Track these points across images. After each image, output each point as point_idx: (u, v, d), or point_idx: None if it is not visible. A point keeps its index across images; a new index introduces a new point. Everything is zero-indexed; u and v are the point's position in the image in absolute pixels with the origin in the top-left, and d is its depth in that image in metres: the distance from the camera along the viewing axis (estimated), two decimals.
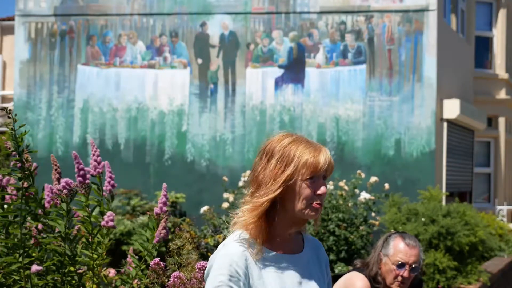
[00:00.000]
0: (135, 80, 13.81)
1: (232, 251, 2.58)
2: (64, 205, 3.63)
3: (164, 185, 3.81)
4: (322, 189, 2.61)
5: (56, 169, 3.85)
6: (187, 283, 3.26)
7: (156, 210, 3.77)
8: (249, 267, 2.57)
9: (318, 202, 2.61)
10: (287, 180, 2.58)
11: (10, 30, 17.24)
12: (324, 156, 2.61)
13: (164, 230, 3.78)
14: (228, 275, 2.54)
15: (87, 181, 3.73)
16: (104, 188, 3.85)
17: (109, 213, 3.72)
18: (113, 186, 3.86)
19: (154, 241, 3.77)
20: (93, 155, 3.82)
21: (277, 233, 2.65)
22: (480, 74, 17.89)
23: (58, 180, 3.80)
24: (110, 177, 3.85)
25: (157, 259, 3.57)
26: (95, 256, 3.72)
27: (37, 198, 3.72)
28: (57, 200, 3.70)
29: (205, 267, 2.92)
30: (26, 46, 14.23)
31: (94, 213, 3.81)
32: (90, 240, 3.74)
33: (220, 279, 2.54)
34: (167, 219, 3.78)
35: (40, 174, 3.93)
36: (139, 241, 3.83)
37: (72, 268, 3.69)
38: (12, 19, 17.02)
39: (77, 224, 3.82)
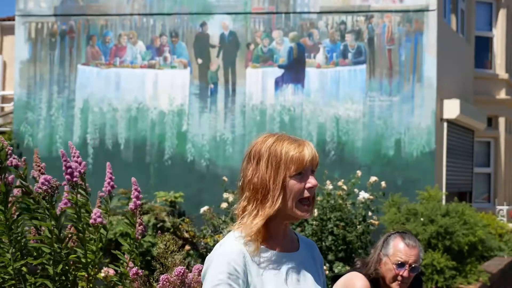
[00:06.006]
0: (135, 80, 13.81)
1: (230, 249, 2.58)
2: (44, 203, 3.59)
3: (133, 179, 3.77)
4: (312, 181, 2.61)
5: (37, 164, 3.82)
6: (176, 285, 3.26)
7: (131, 205, 3.73)
8: (247, 264, 2.57)
9: (308, 200, 2.61)
10: (284, 180, 2.59)
11: (10, 30, 17.24)
12: (309, 150, 2.63)
13: (141, 227, 3.75)
14: (227, 273, 2.53)
15: (74, 179, 3.70)
16: (104, 189, 3.85)
17: (95, 210, 3.71)
18: (112, 187, 3.85)
19: (136, 237, 3.74)
20: (73, 156, 3.79)
21: (273, 232, 2.65)
22: (480, 74, 17.89)
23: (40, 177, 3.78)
24: (110, 178, 3.85)
25: (135, 269, 3.54)
26: (89, 255, 3.70)
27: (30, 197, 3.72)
28: (40, 197, 3.66)
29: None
30: (26, 46, 14.23)
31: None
32: (81, 238, 3.72)
33: (219, 277, 2.53)
34: (140, 212, 3.75)
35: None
36: (127, 240, 3.80)
37: (67, 267, 3.67)
38: (12, 19, 17.02)
39: (68, 224, 3.80)
